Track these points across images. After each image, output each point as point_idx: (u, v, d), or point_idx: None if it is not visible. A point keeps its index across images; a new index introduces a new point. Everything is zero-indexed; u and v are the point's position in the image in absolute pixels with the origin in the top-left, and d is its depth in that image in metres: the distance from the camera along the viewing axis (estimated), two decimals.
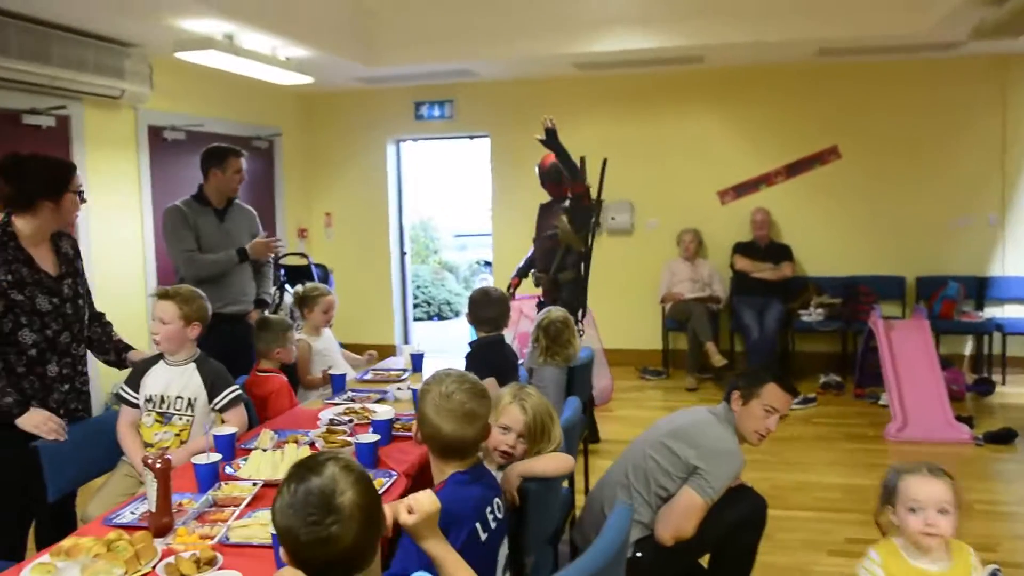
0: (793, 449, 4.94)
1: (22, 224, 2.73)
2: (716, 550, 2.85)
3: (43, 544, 2.36)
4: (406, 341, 8.30)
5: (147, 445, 2.87)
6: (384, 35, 6.45)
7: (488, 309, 3.50)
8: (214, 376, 2.91)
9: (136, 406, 2.89)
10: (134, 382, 2.91)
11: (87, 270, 5.12)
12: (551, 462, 2.29)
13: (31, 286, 2.71)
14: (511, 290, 5.52)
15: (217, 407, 2.89)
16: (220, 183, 4.22)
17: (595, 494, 2.95)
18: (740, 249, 6.85)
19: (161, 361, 2.93)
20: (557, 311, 3.94)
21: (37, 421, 2.64)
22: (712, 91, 7.12)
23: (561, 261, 5.16)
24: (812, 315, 6.59)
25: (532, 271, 5.46)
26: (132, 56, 5.26)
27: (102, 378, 5.34)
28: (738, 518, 2.77)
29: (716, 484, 2.63)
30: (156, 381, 2.90)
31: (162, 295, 2.92)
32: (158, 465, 1.96)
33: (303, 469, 1.44)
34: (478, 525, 1.89)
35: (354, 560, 1.41)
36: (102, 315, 3.12)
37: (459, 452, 1.96)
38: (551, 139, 4.92)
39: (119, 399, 2.92)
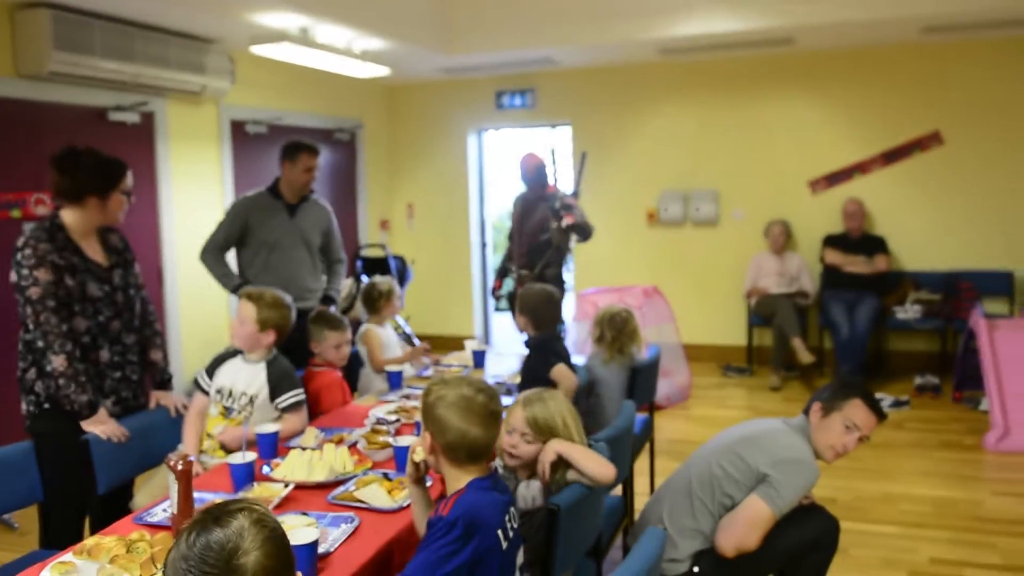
0: (881, 456, 4.64)
1: (69, 217, 2.80)
2: (779, 571, 2.66)
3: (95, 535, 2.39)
4: (486, 333, 8.27)
5: (209, 436, 2.92)
6: (463, 24, 6.39)
7: (553, 310, 3.47)
8: (279, 377, 2.94)
9: (207, 394, 2.97)
10: (212, 369, 3.00)
11: (171, 263, 5.38)
12: (592, 461, 2.16)
13: (82, 273, 2.77)
14: (495, 292, 5.49)
15: (279, 406, 2.91)
16: (289, 178, 4.24)
17: (654, 501, 2.81)
18: (831, 242, 6.50)
19: (239, 355, 3.00)
20: (616, 306, 3.82)
21: (101, 427, 2.72)
22: (803, 75, 6.76)
23: (548, 259, 5.12)
24: (908, 312, 6.19)
25: (514, 268, 5.32)
26: (212, 52, 5.37)
27: (184, 368, 5.50)
28: (805, 539, 2.57)
29: (786, 495, 2.45)
30: (227, 374, 2.97)
31: (247, 296, 2.99)
32: (179, 467, 1.94)
33: (208, 517, 1.23)
34: (499, 532, 1.83)
35: None
36: (156, 328, 3.13)
37: (482, 456, 1.90)
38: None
39: (196, 384, 3.00)
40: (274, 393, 2.92)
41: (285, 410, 2.92)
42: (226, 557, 1.18)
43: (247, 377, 2.94)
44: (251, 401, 2.91)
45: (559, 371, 3.23)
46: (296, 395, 2.95)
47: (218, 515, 1.22)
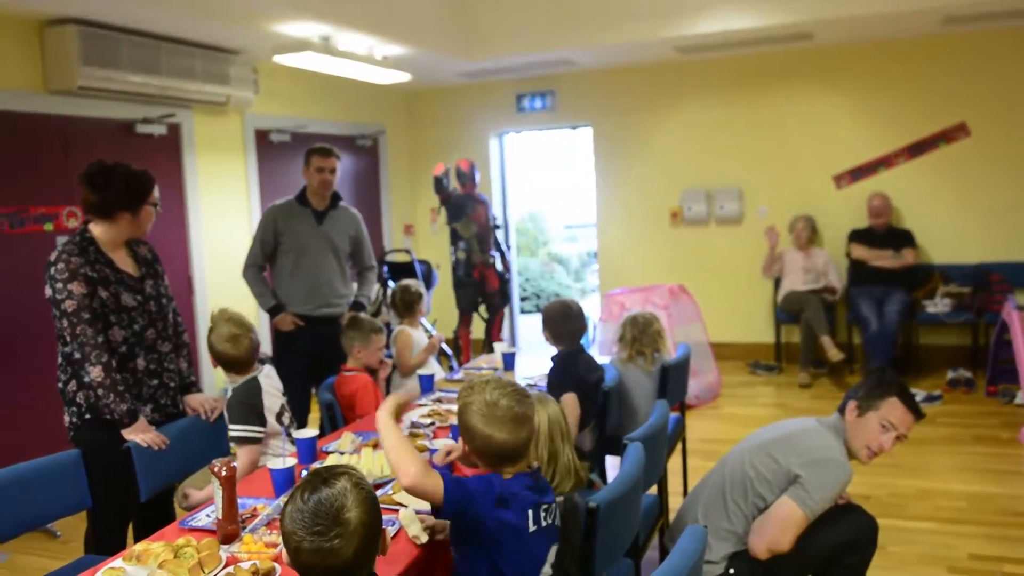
0: (915, 452, 4.60)
1: (99, 231, 2.84)
2: (816, 573, 2.63)
3: (139, 540, 2.43)
4: (512, 335, 8.28)
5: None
6: (481, 28, 6.43)
7: (569, 323, 3.41)
8: (233, 405, 2.87)
9: None
10: None
11: (200, 273, 5.45)
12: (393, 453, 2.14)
13: (115, 284, 2.81)
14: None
15: (230, 435, 2.84)
16: (307, 181, 4.29)
17: (690, 501, 2.81)
18: (857, 236, 6.45)
19: None
20: (644, 311, 3.84)
21: (141, 435, 2.74)
22: (824, 70, 6.72)
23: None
24: (938, 305, 6.13)
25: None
26: (236, 63, 5.43)
27: (216, 377, 5.56)
28: (843, 539, 2.53)
29: (818, 496, 2.42)
30: None
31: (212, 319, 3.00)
32: (223, 473, 1.97)
33: (318, 479, 1.48)
34: (530, 512, 1.89)
35: (350, 574, 1.46)
36: (183, 339, 3.14)
37: (513, 459, 1.93)
38: None
39: None
40: (228, 419, 2.85)
41: (232, 440, 2.82)
42: (335, 512, 1.43)
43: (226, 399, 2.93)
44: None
45: (567, 400, 3.16)
46: (243, 430, 2.79)
47: (325, 477, 1.48)
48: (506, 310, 8.16)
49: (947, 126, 6.45)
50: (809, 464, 2.45)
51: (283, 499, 2.27)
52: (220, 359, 2.90)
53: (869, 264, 6.31)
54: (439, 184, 6.36)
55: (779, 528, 2.43)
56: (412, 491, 1.83)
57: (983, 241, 6.41)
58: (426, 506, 2.21)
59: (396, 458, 1.85)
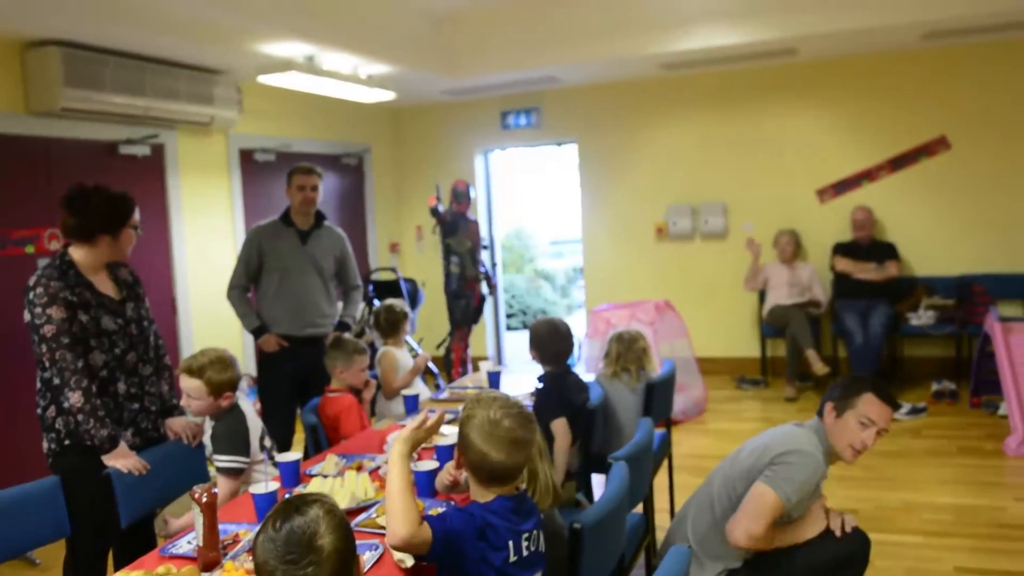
0: (900, 465, 4.61)
1: (79, 255, 2.81)
2: None
3: (120, 567, 2.40)
4: (499, 353, 8.28)
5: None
6: (465, 46, 6.45)
7: (558, 344, 3.35)
8: (220, 436, 2.80)
9: None
10: None
11: (183, 294, 5.42)
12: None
13: (95, 308, 2.78)
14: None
15: (216, 465, 2.79)
16: (290, 200, 4.28)
17: (679, 520, 2.80)
18: (841, 250, 6.49)
19: None
20: (630, 328, 3.84)
21: (122, 461, 2.71)
22: (807, 85, 6.79)
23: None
24: (922, 318, 6.17)
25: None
26: (220, 83, 5.43)
27: None
28: (836, 555, 2.54)
29: (786, 475, 2.42)
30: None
31: (186, 371, 2.79)
32: (204, 499, 1.96)
33: (290, 507, 1.46)
34: (511, 543, 1.86)
35: None
36: (165, 362, 3.08)
37: (505, 479, 1.92)
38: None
39: None
40: (214, 449, 2.80)
41: (219, 471, 2.76)
42: (307, 540, 1.41)
43: (209, 427, 2.88)
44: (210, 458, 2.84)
45: (558, 425, 3.14)
46: (231, 461, 2.74)
47: (297, 505, 1.47)
48: (490, 327, 8.17)
49: (928, 139, 6.52)
50: (779, 454, 2.47)
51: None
52: (228, 386, 2.80)
53: (853, 277, 6.34)
54: (434, 212, 6.46)
55: (754, 512, 2.43)
56: (403, 550, 1.82)
57: (965, 253, 6.46)
58: None
59: (390, 511, 1.81)
